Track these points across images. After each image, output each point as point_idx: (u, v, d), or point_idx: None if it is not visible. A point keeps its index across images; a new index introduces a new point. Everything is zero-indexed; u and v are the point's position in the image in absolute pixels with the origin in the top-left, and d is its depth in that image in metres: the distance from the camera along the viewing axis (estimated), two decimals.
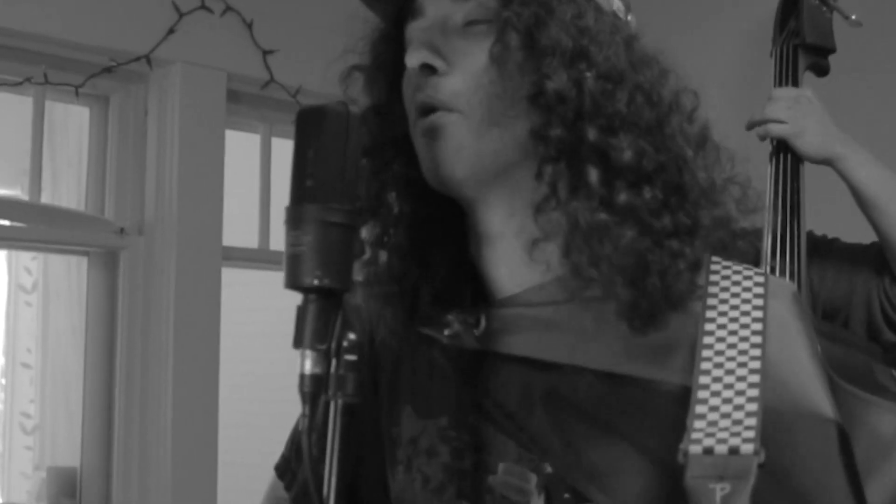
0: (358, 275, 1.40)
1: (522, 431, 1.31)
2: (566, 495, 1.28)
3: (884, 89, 3.57)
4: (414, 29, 1.35)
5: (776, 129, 2.43)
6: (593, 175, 1.28)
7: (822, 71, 2.62)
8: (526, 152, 1.30)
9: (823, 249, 2.50)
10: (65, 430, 4.11)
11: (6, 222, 3.51)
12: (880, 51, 3.52)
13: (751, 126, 2.47)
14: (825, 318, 2.46)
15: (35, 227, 3.56)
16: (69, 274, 4.39)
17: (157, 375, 3.56)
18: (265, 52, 3.71)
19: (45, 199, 3.79)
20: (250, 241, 3.97)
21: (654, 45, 1.39)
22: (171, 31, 3.57)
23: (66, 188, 4.09)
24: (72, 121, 4.00)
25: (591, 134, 1.27)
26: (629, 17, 1.39)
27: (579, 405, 1.30)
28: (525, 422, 1.32)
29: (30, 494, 4.51)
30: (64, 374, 4.18)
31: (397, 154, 1.39)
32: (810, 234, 2.53)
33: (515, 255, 1.34)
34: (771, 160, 2.46)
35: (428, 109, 1.31)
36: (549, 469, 1.29)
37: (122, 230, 3.66)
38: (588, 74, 1.27)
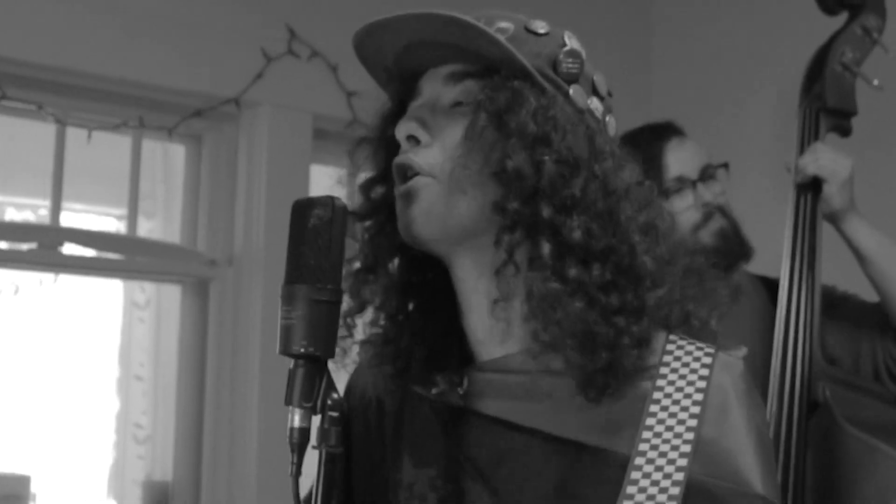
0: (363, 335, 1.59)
1: (490, 485, 1.47)
2: None
3: None
4: (412, 106, 1.53)
5: (827, 168, 2.54)
6: (546, 248, 1.44)
7: (844, 132, 2.72)
8: (490, 221, 1.45)
9: (838, 305, 2.64)
10: (172, 443, 4.27)
11: (110, 254, 3.74)
12: None
13: (803, 164, 2.57)
14: (834, 365, 2.60)
15: (132, 258, 3.78)
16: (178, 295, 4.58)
17: (245, 397, 3.72)
18: (349, 94, 3.81)
19: (145, 226, 4.01)
20: None
21: (621, 142, 1.56)
22: (259, 75, 3.73)
23: (165, 217, 4.28)
24: (169, 158, 4.20)
25: (546, 211, 1.42)
26: (608, 119, 1.55)
27: (538, 466, 1.45)
28: (492, 476, 1.48)
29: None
30: (172, 389, 4.35)
31: (390, 218, 1.55)
32: (832, 290, 2.67)
33: (489, 316, 1.49)
34: (792, 200, 2.58)
35: (406, 173, 1.48)
36: None
37: (212, 262, 3.84)
38: (547, 158, 1.42)
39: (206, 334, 3.86)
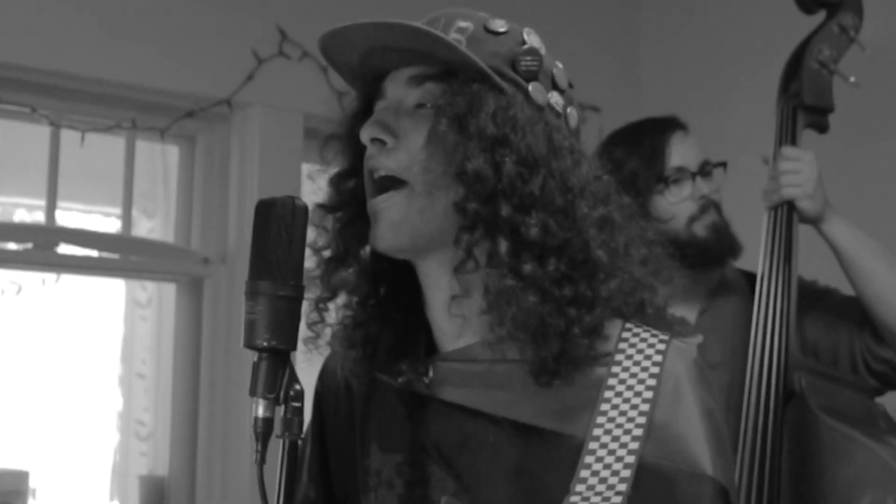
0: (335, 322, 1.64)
1: (453, 470, 1.53)
2: None
3: (883, 154, 3.70)
4: (378, 107, 1.57)
5: (789, 193, 2.59)
6: (503, 246, 1.48)
7: (821, 129, 2.76)
8: (452, 221, 1.50)
9: (820, 300, 2.69)
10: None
11: (103, 253, 3.79)
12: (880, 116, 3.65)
13: (769, 191, 2.62)
14: (815, 358, 2.64)
15: (127, 257, 3.83)
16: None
17: (238, 392, 3.76)
18: (339, 94, 3.79)
19: (146, 225, 4.05)
20: None
21: (582, 135, 1.60)
22: (250, 76, 3.78)
23: (165, 215, 4.31)
24: (161, 158, 4.23)
25: (504, 210, 1.46)
26: (569, 110, 1.58)
27: (497, 450, 1.50)
28: (455, 462, 1.53)
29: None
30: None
31: (359, 210, 1.60)
32: (813, 284, 2.71)
33: (450, 312, 1.54)
34: (768, 212, 2.63)
35: (376, 175, 1.53)
36: None
37: (205, 260, 3.89)
38: (507, 159, 1.46)
39: (200, 331, 3.90)
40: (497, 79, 1.51)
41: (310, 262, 1.59)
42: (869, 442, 2.38)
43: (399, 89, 1.56)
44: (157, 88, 3.69)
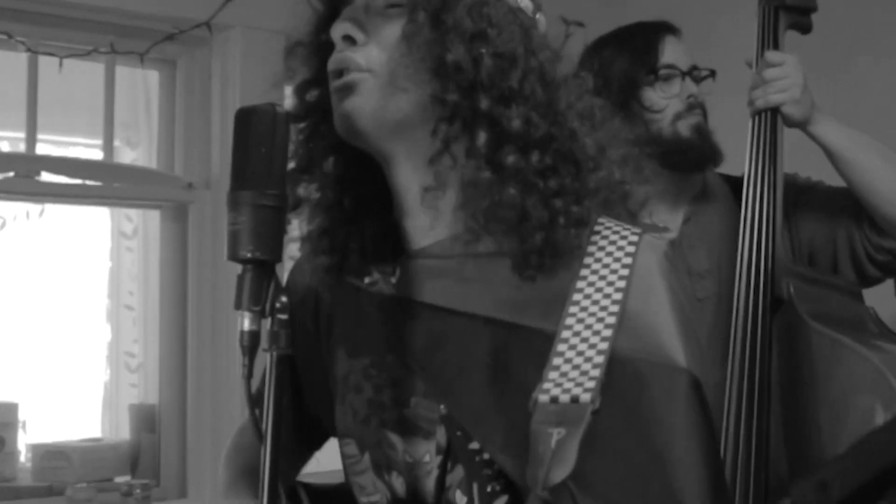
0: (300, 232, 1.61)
1: (425, 371, 1.51)
2: (458, 432, 1.48)
3: (862, 50, 3.67)
4: (344, 11, 1.54)
5: (775, 99, 2.54)
6: (482, 138, 1.47)
7: (804, 29, 2.71)
8: (427, 114, 1.48)
9: (806, 193, 2.65)
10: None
11: (86, 182, 3.78)
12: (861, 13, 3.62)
13: (754, 97, 2.58)
14: (810, 258, 2.62)
15: (109, 185, 3.82)
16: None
17: (226, 319, 3.77)
18: None
19: (129, 155, 4.03)
20: None
21: (555, 40, 1.57)
22: None
23: (149, 144, 4.30)
24: (142, 85, 4.21)
25: (484, 103, 1.45)
26: (538, 16, 1.57)
27: (470, 349, 1.48)
28: (427, 363, 1.51)
29: None
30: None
31: (326, 120, 1.57)
32: (795, 178, 2.67)
33: (422, 208, 1.52)
34: (752, 118, 2.59)
35: (343, 71, 1.50)
36: (443, 410, 1.49)
37: (190, 185, 3.88)
38: (484, 51, 1.45)
39: (186, 258, 3.91)
40: None
41: None
42: (859, 347, 2.37)
43: None
44: (136, 12, 3.66)
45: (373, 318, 1.58)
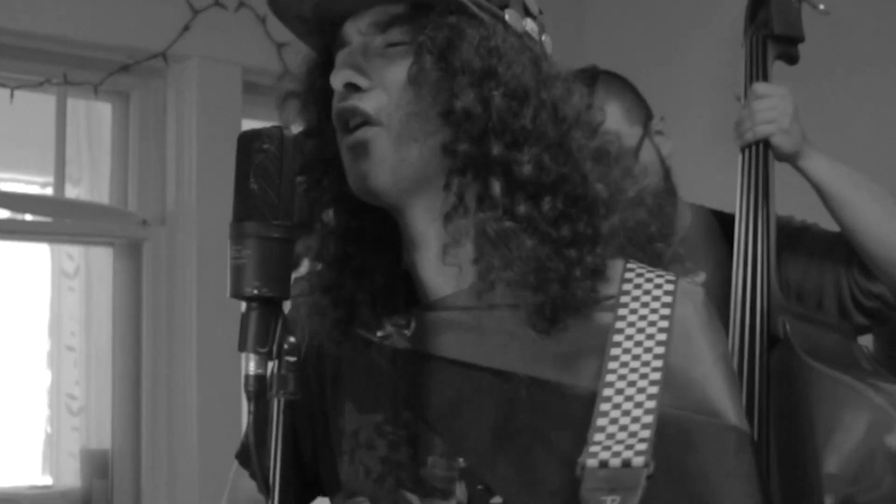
0: (297, 287, 1.52)
1: (443, 426, 1.42)
2: (479, 486, 1.39)
3: (855, 88, 3.65)
4: (341, 56, 1.45)
5: (764, 130, 2.48)
6: (496, 187, 1.40)
7: (791, 59, 2.67)
8: (439, 164, 1.41)
9: (797, 236, 2.59)
10: (108, 411, 4.23)
11: (36, 217, 3.66)
12: (853, 49, 3.60)
13: (742, 129, 2.52)
14: (798, 300, 2.56)
15: (61, 221, 3.69)
16: (109, 260, 4.53)
17: (182, 360, 3.66)
18: (279, 45, 3.72)
19: (72, 192, 3.92)
20: None
21: (565, 64, 1.49)
22: (186, 28, 3.65)
23: (91, 182, 4.22)
24: (95, 117, 4.12)
25: (496, 149, 1.38)
26: (543, 38, 1.49)
27: (490, 404, 1.40)
28: (445, 418, 1.43)
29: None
30: (106, 357, 4.30)
31: (328, 172, 1.48)
32: (789, 221, 2.62)
33: (439, 259, 1.44)
34: (742, 151, 2.53)
35: (350, 121, 1.42)
36: (462, 463, 1.40)
37: (144, 222, 3.77)
38: (496, 93, 1.38)
39: (140, 297, 3.80)
40: (474, 8, 1.42)
41: None
42: (860, 386, 2.32)
43: (363, 33, 1.45)
44: (89, 42, 3.56)
45: (386, 372, 1.50)
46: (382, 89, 1.41)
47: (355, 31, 1.45)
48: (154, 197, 3.80)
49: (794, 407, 2.37)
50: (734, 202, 2.55)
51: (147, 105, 3.82)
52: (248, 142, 1.30)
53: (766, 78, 2.59)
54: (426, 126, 1.40)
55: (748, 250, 2.49)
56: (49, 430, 4.96)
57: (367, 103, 1.41)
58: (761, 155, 2.51)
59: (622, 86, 2.62)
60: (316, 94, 1.50)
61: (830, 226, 2.54)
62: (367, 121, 1.41)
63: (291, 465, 1.54)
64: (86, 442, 4.14)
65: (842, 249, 2.51)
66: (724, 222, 2.63)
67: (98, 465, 3.86)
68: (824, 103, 3.39)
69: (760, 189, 2.51)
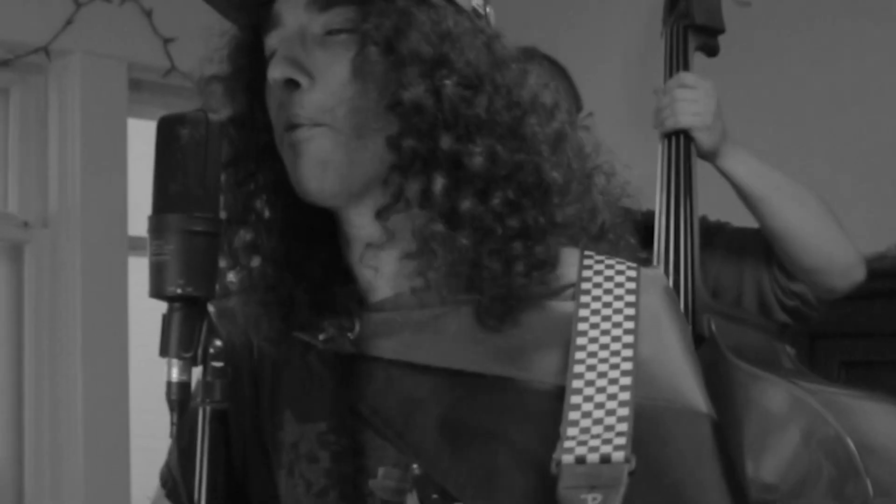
0: (232, 283, 1.41)
1: (399, 436, 1.33)
2: (434, 495, 1.30)
3: (774, 81, 3.66)
4: (273, 38, 1.34)
5: (686, 121, 2.43)
6: (439, 184, 1.29)
7: (711, 51, 2.63)
8: (384, 163, 1.31)
9: (714, 234, 2.56)
10: None
11: None
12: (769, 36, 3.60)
13: (663, 117, 2.47)
14: (715, 297, 2.52)
15: None
16: None
17: (67, 366, 3.59)
18: (166, 41, 3.70)
19: None
20: None
21: (513, 41, 1.39)
22: (69, 21, 3.57)
23: None
24: None
25: (445, 142, 1.28)
26: (488, 10, 1.39)
27: (454, 408, 1.32)
28: (394, 425, 1.34)
29: None
30: None
31: (262, 163, 1.38)
32: (704, 219, 2.57)
33: (377, 259, 1.36)
34: (662, 141, 2.48)
35: (293, 121, 1.31)
36: (417, 471, 1.30)
37: (25, 224, 3.68)
38: (447, 81, 1.28)
39: (21, 301, 3.71)
40: None
41: None
42: (785, 384, 2.26)
43: (299, 15, 1.33)
44: None
45: (328, 378, 1.40)
46: (324, 86, 1.30)
47: (289, 9, 1.33)
48: (36, 198, 3.72)
49: (721, 407, 2.32)
50: (653, 196, 2.50)
51: (28, 102, 3.75)
52: (169, 127, 1.19)
53: (686, 68, 2.55)
54: (374, 122, 1.30)
55: (670, 249, 2.45)
56: None
57: (309, 103, 1.30)
58: (683, 148, 2.46)
59: (559, 73, 2.56)
60: (243, 78, 1.39)
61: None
62: (309, 120, 1.30)
63: (223, 482, 1.46)
64: None
65: (760, 247, 2.49)
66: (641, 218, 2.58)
67: None
68: (744, 96, 3.36)
69: (682, 183, 2.46)
